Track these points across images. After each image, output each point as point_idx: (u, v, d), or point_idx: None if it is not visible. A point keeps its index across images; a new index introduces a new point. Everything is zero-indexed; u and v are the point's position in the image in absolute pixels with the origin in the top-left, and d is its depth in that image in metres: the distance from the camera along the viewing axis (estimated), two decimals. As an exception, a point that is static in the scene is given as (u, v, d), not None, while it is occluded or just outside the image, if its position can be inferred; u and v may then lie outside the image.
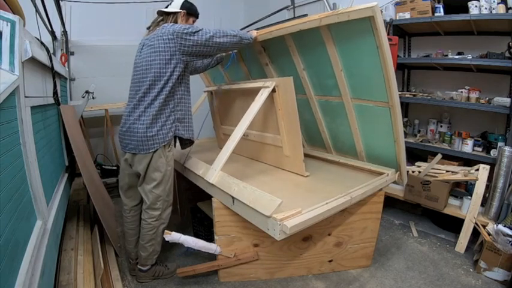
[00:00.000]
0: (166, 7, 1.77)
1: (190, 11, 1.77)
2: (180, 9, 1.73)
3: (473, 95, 2.36)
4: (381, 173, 1.91)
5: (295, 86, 2.07)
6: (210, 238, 1.88)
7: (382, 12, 1.81)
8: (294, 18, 3.66)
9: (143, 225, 1.74)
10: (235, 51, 2.05)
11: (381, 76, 1.63)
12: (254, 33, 1.92)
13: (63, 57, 3.42)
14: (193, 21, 1.82)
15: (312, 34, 1.75)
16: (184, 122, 1.73)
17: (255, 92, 1.87)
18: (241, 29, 2.30)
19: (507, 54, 2.17)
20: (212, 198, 1.71)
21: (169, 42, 1.57)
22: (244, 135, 2.19)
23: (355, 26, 1.54)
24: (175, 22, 1.72)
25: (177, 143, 1.83)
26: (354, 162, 2.11)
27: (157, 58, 1.58)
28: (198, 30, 1.61)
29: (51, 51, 2.14)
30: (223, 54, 2.19)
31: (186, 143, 1.84)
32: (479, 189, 2.14)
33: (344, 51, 1.73)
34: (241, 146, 2.10)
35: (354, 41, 1.63)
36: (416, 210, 2.72)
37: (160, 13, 1.76)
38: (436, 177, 2.35)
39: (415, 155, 2.73)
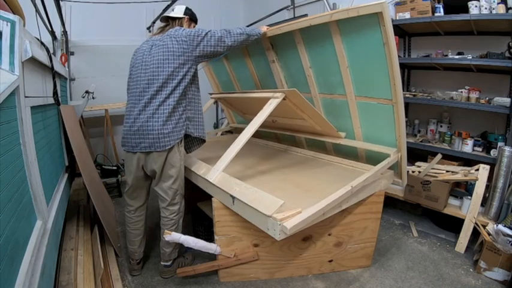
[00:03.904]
0: (165, 10, 1.80)
1: (193, 17, 1.87)
2: (184, 15, 1.81)
3: (473, 95, 2.36)
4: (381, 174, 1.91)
5: (300, 85, 2.10)
6: (210, 238, 1.88)
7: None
8: (294, 18, 3.66)
9: (165, 223, 1.78)
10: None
11: (386, 72, 1.66)
12: (264, 29, 1.99)
13: (63, 57, 3.43)
14: (194, 27, 1.90)
15: (321, 31, 1.81)
16: (194, 121, 1.77)
17: (264, 101, 1.89)
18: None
19: (507, 54, 2.17)
20: (212, 198, 1.71)
21: (183, 44, 1.63)
22: (272, 120, 2.29)
23: (363, 23, 1.59)
24: (181, 27, 1.78)
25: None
26: (354, 163, 2.11)
27: (170, 58, 1.62)
28: (207, 32, 1.67)
29: (51, 51, 2.14)
30: None
31: (197, 142, 1.88)
32: (479, 189, 2.14)
33: (351, 47, 1.77)
34: (273, 126, 2.22)
35: (361, 37, 1.67)
36: (416, 210, 2.72)
37: (165, 18, 1.83)
38: (436, 177, 2.35)
39: (415, 155, 2.73)
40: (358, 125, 2.02)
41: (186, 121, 1.71)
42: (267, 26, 2.08)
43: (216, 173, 1.69)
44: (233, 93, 2.22)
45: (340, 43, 1.78)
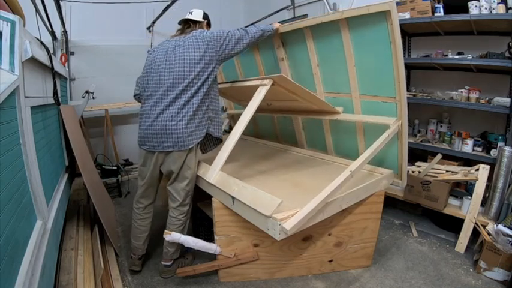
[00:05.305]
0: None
1: (209, 22, 1.95)
2: (203, 19, 1.87)
3: (473, 95, 2.35)
4: (380, 174, 1.91)
5: (306, 83, 2.14)
6: (210, 238, 1.88)
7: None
8: (294, 18, 3.66)
9: (174, 222, 1.80)
10: None
11: (391, 70, 1.70)
12: (276, 25, 2.06)
13: (63, 57, 3.43)
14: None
15: (331, 29, 1.87)
16: (215, 121, 1.80)
17: (255, 88, 1.88)
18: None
19: (507, 54, 2.17)
20: (212, 198, 1.71)
21: (208, 45, 1.68)
22: (267, 104, 2.30)
23: (372, 21, 1.65)
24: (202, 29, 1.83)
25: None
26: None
27: (197, 58, 1.65)
28: (228, 33, 1.73)
29: (51, 51, 2.14)
30: None
31: (214, 143, 1.90)
32: (479, 189, 2.14)
33: (359, 46, 1.82)
34: (269, 109, 2.25)
35: (369, 36, 1.73)
36: (416, 210, 2.71)
37: (185, 21, 1.87)
38: (436, 177, 2.35)
39: (415, 155, 2.73)
40: (361, 124, 2.03)
41: (208, 120, 1.74)
42: (279, 22, 2.14)
43: (215, 173, 1.69)
44: (225, 83, 2.24)
45: (348, 41, 1.82)
